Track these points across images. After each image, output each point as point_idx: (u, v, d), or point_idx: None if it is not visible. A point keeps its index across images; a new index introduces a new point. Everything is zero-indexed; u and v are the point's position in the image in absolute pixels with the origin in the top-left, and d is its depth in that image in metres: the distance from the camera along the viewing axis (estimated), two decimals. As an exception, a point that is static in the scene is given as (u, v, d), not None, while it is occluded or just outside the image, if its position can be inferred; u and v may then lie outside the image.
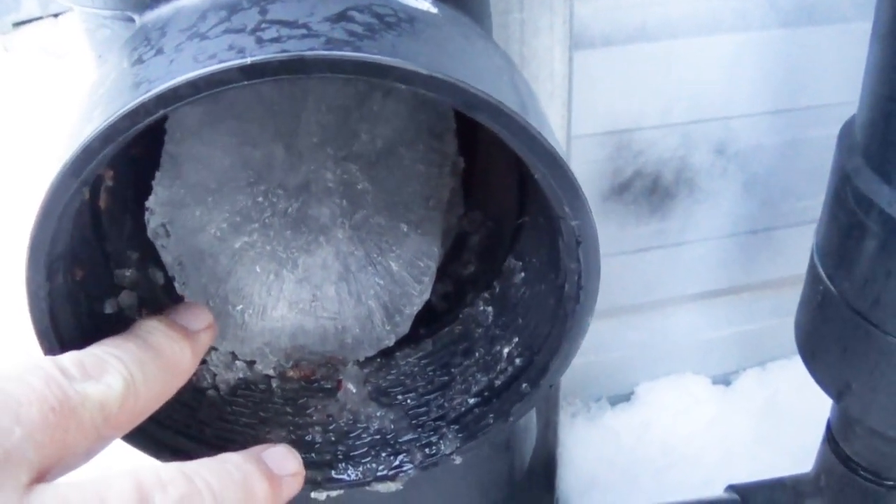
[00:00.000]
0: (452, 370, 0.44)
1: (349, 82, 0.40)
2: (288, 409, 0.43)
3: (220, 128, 0.40)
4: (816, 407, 0.61)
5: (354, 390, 0.44)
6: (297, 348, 0.44)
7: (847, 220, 0.48)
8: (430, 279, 0.44)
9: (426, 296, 0.44)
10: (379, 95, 0.41)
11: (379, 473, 0.42)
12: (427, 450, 0.42)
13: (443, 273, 0.46)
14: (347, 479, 0.42)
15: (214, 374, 0.43)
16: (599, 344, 0.87)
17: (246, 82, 0.28)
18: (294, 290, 0.43)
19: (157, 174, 0.40)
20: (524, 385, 0.41)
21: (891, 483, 0.58)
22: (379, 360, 0.45)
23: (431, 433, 0.42)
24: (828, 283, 0.51)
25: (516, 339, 0.42)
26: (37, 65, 1.48)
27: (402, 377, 0.45)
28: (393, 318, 0.44)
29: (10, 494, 0.26)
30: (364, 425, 0.43)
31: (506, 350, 0.42)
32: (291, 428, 0.43)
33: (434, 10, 0.34)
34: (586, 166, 0.74)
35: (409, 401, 0.44)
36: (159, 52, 0.30)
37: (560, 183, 0.32)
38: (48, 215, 0.30)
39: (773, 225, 0.84)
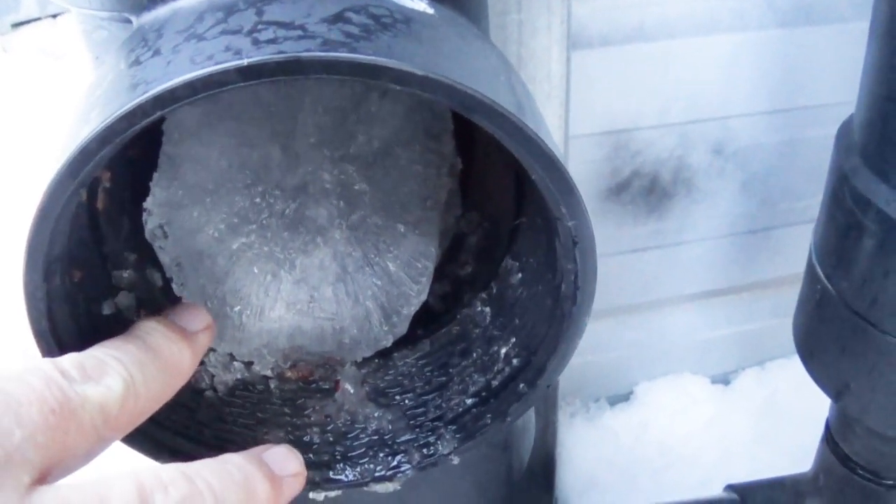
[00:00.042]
0: (450, 370, 0.44)
1: (346, 83, 0.40)
2: (286, 410, 0.43)
3: (218, 129, 0.40)
4: (815, 406, 0.61)
5: (352, 391, 0.44)
6: (295, 349, 0.44)
7: (845, 220, 0.48)
8: (427, 280, 0.44)
9: (424, 296, 0.44)
10: (376, 96, 0.41)
11: (377, 474, 0.42)
12: (425, 450, 0.42)
13: (440, 274, 0.46)
14: (345, 479, 0.42)
15: (212, 375, 0.43)
16: (598, 344, 0.87)
17: (243, 83, 0.28)
18: (292, 291, 0.43)
19: (155, 175, 0.40)
20: (522, 385, 0.41)
21: (889, 482, 0.58)
22: (377, 360, 0.45)
23: (429, 433, 0.42)
24: (826, 282, 0.51)
25: (514, 340, 0.42)
26: (35, 66, 1.48)
27: (400, 378, 0.45)
28: (390, 319, 0.44)
29: (10, 495, 0.26)
30: (362, 426, 0.43)
31: (503, 350, 0.42)
32: (289, 428, 0.43)
33: (430, 10, 0.34)
34: (584, 166, 0.74)
35: (406, 401, 0.44)
36: (156, 53, 0.30)
37: (556, 184, 0.32)
38: (46, 217, 0.30)
39: (771, 224, 0.84)
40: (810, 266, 0.54)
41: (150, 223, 0.41)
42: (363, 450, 0.42)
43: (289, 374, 0.44)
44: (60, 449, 0.28)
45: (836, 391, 0.54)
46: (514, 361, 0.41)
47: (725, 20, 0.69)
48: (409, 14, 0.32)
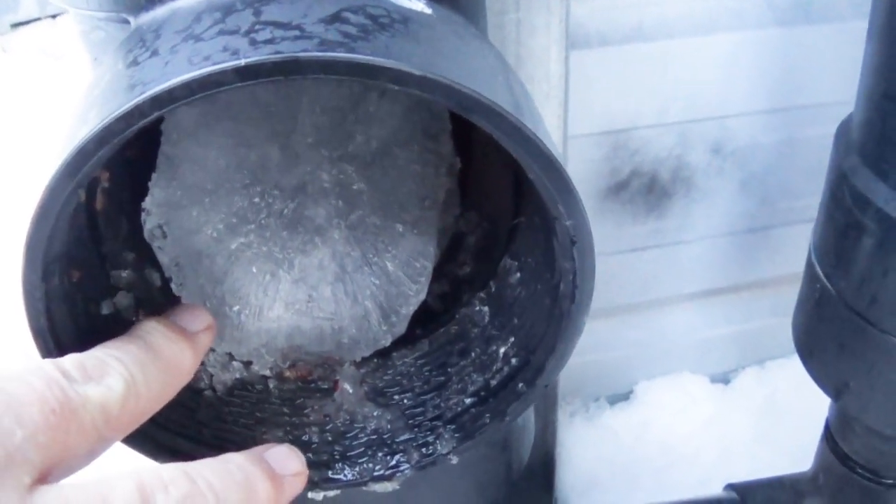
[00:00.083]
0: (449, 370, 0.44)
1: (344, 83, 0.40)
2: (285, 410, 0.44)
3: (216, 129, 0.40)
4: (815, 405, 0.61)
5: (351, 390, 0.44)
6: (294, 349, 0.44)
7: (844, 219, 0.49)
8: (426, 279, 0.44)
9: (422, 296, 0.44)
10: (374, 96, 0.41)
11: (376, 473, 0.42)
12: (424, 450, 0.42)
13: (439, 273, 0.46)
14: (344, 479, 0.42)
15: (211, 375, 0.43)
16: (598, 343, 0.87)
17: (240, 84, 0.28)
18: (290, 291, 0.43)
19: (154, 175, 0.40)
20: (520, 385, 0.41)
21: (889, 481, 0.58)
22: (375, 360, 0.45)
23: (428, 433, 0.42)
24: (825, 281, 0.51)
25: (512, 339, 0.42)
26: (35, 66, 1.48)
27: (399, 377, 0.45)
28: (389, 319, 0.44)
29: (11, 495, 0.26)
30: (361, 425, 0.43)
31: (502, 350, 0.42)
32: (288, 428, 0.43)
33: (428, 10, 0.34)
34: (583, 166, 0.74)
35: (405, 401, 0.44)
36: (154, 53, 0.30)
37: (554, 183, 0.32)
38: (44, 217, 0.30)
39: (770, 223, 0.84)
40: (809, 265, 0.54)
41: (149, 223, 0.41)
42: (362, 449, 0.42)
43: (288, 373, 0.45)
44: (61, 449, 0.28)
45: (835, 390, 0.54)
46: (513, 361, 0.41)
47: (724, 20, 0.69)
48: (406, 14, 0.32)
